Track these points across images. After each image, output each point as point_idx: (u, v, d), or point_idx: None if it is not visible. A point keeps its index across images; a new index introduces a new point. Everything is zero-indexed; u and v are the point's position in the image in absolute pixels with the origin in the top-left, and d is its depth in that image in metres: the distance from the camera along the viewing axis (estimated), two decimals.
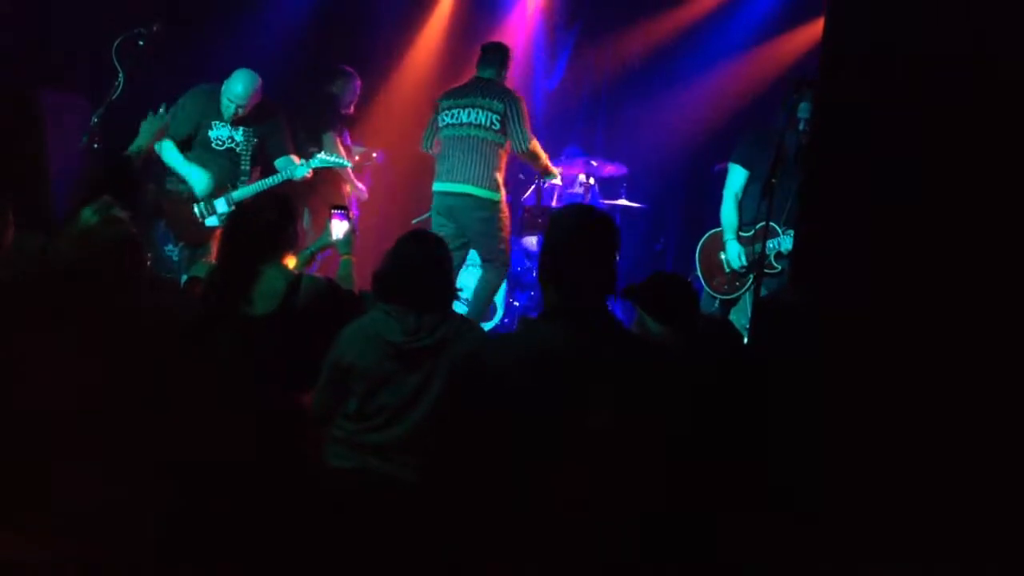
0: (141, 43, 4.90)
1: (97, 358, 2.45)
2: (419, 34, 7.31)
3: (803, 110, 4.33)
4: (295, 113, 5.99)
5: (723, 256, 4.65)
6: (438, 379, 2.77)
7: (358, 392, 2.81)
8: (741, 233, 4.61)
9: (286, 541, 2.57)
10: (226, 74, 5.14)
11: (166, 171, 5.10)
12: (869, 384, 2.32)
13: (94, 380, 2.43)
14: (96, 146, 4.93)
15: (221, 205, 5.06)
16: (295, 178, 5.15)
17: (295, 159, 5.20)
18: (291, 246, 3.17)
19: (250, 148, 5.15)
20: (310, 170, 5.19)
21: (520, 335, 2.63)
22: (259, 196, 3.46)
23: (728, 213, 4.66)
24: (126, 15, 5.06)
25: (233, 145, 5.14)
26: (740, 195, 4.64)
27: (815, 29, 6.46)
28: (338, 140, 5.92)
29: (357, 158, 6.31)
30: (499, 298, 5.93)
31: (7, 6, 5.45)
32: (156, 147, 5.02)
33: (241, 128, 5.14)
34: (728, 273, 4.65)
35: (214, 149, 5.12)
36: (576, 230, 2.33)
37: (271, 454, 2.75)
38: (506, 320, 5.96)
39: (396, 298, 2.85)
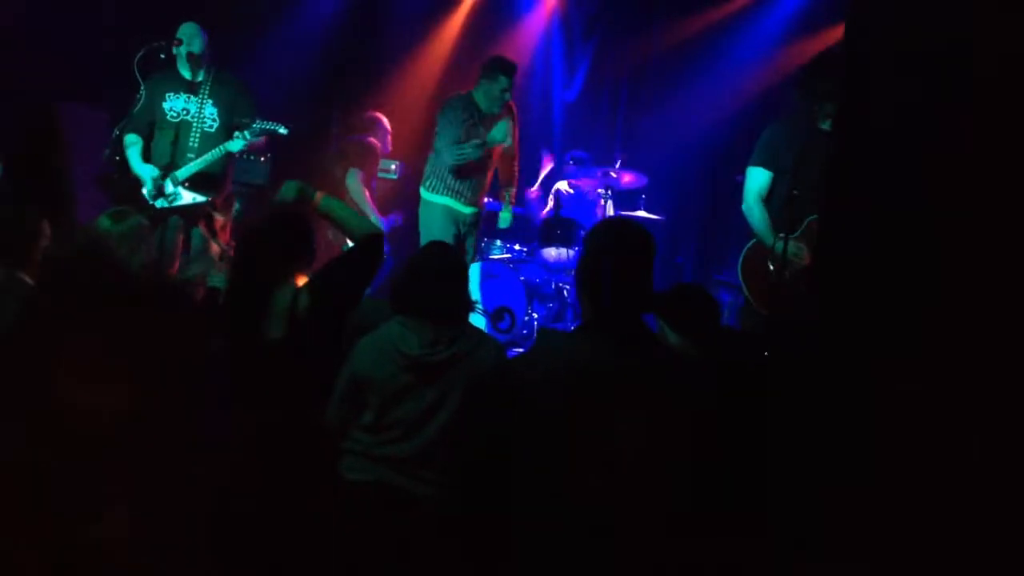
0: (162, 56, 4.93)
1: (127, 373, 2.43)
2: (434, 43, 7.32)
3: (827, 124, 4.19)
4: (328, 149, 6.20)
5: (771, 264, 4.30)
6: (455, 393, 2.75)
7: (373, 405, 2.79)
8: (788, 235, 4.18)
9: (304, 555, 2.55)
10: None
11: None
12: (887, 396, 2.29)
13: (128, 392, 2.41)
14: (118, 158, 4.96)
15: (168, 186, 4.81)
16: (233, 152, 4.85)
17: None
18: (306, 267, 3.09)
19: (204, 120, 4.89)
20: (247, 143, 4.83)
21: (546, 348, 2.60)
22: (273, 218, 3.22)
23: (758, 217, 4.40)
24: (148, 29, 5.10)
25: (187, 117, 4.90)
26: (764, 194, 4.41)
27: (835, 36, 6.43)
28: (361, 179, 6.05)
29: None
30: (518, 310, 5.92)
31: (29, 21, 5.51)
32: (125, 141, 4.93)
33: (195, 99, 4.92)
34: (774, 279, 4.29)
35: (168, 122, 4.89)
36: (613, 243, 2.32)
37: (290, 468, 2.73)
38: (524, 332, 5.94)
39: (413, 309, 2.83)
